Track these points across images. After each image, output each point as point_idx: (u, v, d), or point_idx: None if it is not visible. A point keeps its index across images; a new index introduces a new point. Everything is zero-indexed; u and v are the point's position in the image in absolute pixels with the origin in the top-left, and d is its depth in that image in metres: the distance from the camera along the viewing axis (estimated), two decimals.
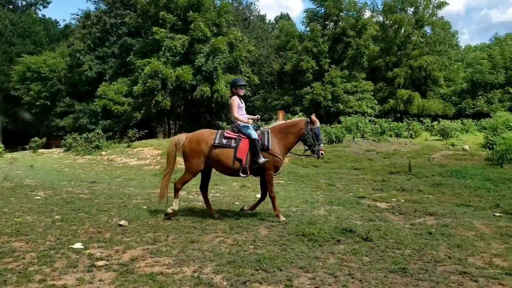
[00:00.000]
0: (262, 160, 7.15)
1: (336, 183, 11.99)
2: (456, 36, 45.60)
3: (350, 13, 32.77)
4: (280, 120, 16.32)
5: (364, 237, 6.20)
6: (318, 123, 7.54)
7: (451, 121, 28.60)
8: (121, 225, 6.85)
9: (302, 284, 4.53)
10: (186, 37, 27.96)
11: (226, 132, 7.51)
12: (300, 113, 24.23)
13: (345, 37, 31.48)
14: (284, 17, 58.59)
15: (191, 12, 28.18)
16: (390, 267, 4.99)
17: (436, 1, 35.52)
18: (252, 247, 5.80)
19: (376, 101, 32.78)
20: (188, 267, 4.97)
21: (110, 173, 16.45)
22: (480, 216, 7.93)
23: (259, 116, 8.12)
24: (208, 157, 7.37)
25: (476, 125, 30.40)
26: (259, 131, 7.48)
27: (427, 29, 36.71)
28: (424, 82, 34.66)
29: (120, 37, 33.93)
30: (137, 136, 25.76)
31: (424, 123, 27.60)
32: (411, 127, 25.45)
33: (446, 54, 36.71)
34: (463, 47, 52.21)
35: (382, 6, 36.09)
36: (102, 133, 26.23)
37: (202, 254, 5.49)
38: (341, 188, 11.33)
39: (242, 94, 7.80)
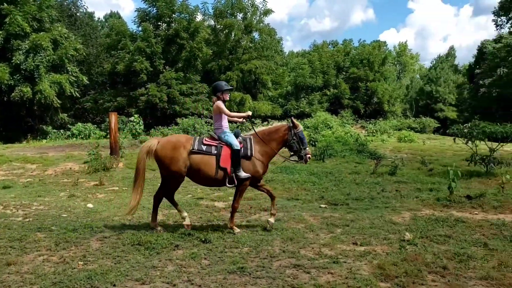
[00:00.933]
0: (243, 174, 6.61)
1: None
2: (281, 42, 49.43)
3: (183, 15, 32.83)
4: (112, 124, 15.48)
5: (203, 239, 6.10)
6: (301, 127, 7.12)
7: (279, 121, 30.60)
8: None
9: None
10: (0, 32, 24.68)
11: (205, 139, 6.82)
12: (135, 115, 23.31)
13: (178, 39, 31.41)
14: (114, 15, 56.14)
15: (5, 4, 24.94)
16: (229, 268, 4.96)
17: (263, 9, 37.79)
18: (82, 263, 5.23)
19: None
20: None
21: None
22: (308, 209, 8.52)
23: (250, 113, 7.21)
24: (185, 165, 6.59)
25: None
26: (240, 138, 6.86)
27: (255, 34, 38.84)
28: (254, 85, 36.56)
29: None
30: None
31: (256, 123, 29.06)
32: (243, 128, 26.55)
33: (273, 59, 39.39)
34: (287, 53, 56.77)
35: (213, 10, 37.03)
36: None
37: (21, 277, 4.76)
38: (179, 190, 11.10)
39: (228, 99, 7.13)
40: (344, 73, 44.03)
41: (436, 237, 6.16)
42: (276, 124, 7.43)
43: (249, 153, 6.73)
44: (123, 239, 6.22)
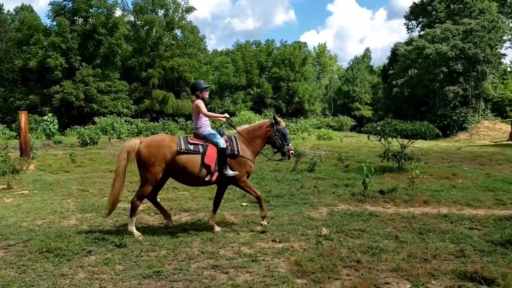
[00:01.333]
0: (230, 172, 6.51)
1: (90, 188, 11.18)
2: (204, 40, 49.07)
3: (100, 10, 31.50)
4: (22, 123, 14.48)
5: (118, 244, 5.82)
6: (283, 123, 7.14)
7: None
8: None
9: None
10: None
11: (190, 139, 6.67)
12: (49, 114, 21.99)
13: (96, 35, 30.16)
14: (26, 8, 52.57)
15: None
16: (144, 272, 4.77)
17: (185, 6, 37.31)
18: None
19: (131, 101, 32.49)
20: None
21: None
22: (230, 207, 8.47)
23: (227, 115, 7.11)
24: (170, 165, 6.40)
25: (225, 123, 33.12)
26: (225, 137, 6.77)
27: (178, 32, 38.26)
28: (177, 83, 36.00)
29: None
30: None
31: (179, 122, 28.66)
32: (166, 127, 26.05)
33: (196, 57, 38.98)
34: (211, 52, 56.47)
35: (133, 6, 35.92)
36: None
37: None
38: (95, 193, 10.60)
39: (207, 97, 7.09)
40: (266, 72, 44.73)
41: (351, 232, 6.37)
42: (258, 121, 7.47)
43: (236, 152, 6.69)
44: (31, 247, 5.78)
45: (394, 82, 43.03)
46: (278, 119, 7.15)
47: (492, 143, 25.91)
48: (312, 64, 66.48)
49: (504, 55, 46.72)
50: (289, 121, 37.02)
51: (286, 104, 43.86)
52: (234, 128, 7.16)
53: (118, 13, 33.66)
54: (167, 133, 25.71)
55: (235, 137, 6.87)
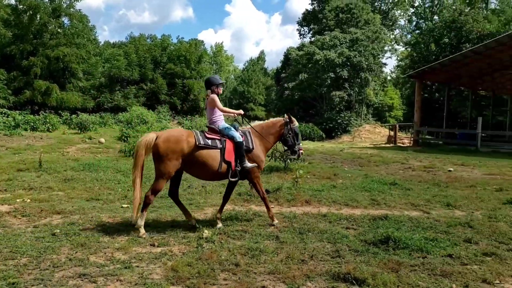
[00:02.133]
0: (249, 165, 6.66)
1: None
2: (95, 30, 46.41)
3: None
4: None
5: None
6: (296, 122, 7.33)
7: (89, 115, 28.81)
8: None
9: None
10: None
11: (206, 133, 6.71)
12: None
13: None
14: None
15: None
16: None
17: None
18: None
19: (10, 91, 29.60)
20: None
21: None
22: (109, 209, 7.94)
23: (242, 111, 7.23)
24: (188, 160, 6.38)
25: (114, 118, 31.73)
26: (240, 132, 6.85)
27: (65, 19, 35.61)
28: (62, 74, 33.48)
29: None
30: None
31: (63, 116, 26.74)
32: (48, 120, 24.15)
33: (85, 47, 36.62)
34: (102, 43, 53.53)
35: None
36: None
37: None
38: None
39: (221, 93, 7.15)
40: (161, 68, 43.51)
41: (233, 233, 6.28)
42: (272, 119, 7.54)
43: (250, 146, 6.82)
44: None
45: (286, 85, 44.40)
46: (292, 118, 7.34)
47: (372, 146, 27.93)
48: (209, 63, 66.35)
49: (385, 64, 50.93)
50: (183, 119, 36.52)
51: (181, 101, 43.07)
52: (249, 123, 7.26)
53: None
54: (48, 127, 23.84)
55: (249, 132, 7.01)
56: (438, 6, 57.98)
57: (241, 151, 6.65)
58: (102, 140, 20.24)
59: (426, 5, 60.17)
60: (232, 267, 4.88)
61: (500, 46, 24.15)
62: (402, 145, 28.76)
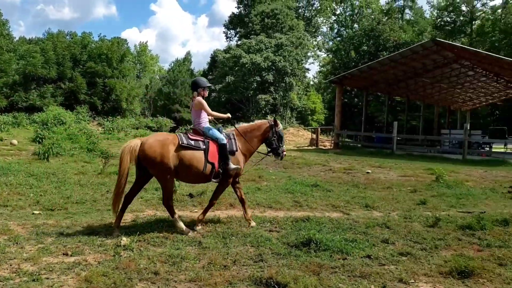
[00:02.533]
0: (233, 166, 6.69)
1: None
2: (8, 25, 43.28)
3: None
4: None
5: None
6: (281, 125, 7.42)
7: (1, 114, 26.90)
8: None
9: None
10: None
11: (190, 134, 6.70)
12: None
13: None
14: None
15: None
16: None
17: None
18: None
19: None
20: None
21: None
22: (18, 216, 7.35)
23: (230, 115, 7.26)
24: (176, 162, 6.33)
25: (29, 119, 29.87)
26: (223, 134, 6.81)
27: None
28: None
29: None
30: None
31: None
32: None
33: None
34: (17, 39, 50.05)
35: None
36: None
37: None
38: None
39: (206, 95, 7.08)
40: (81, 66, 41.61)
41: (154, 239, 6.05)
42: (257, 121, 7.52)
43: (234, 148, 6.81)
44: None
45: (212, 87, 44.35)
46: (277, 121, 7.42)
47: (296, 148, 28.56)
48: (133, 62, 64.53)
49: (308, 69, 52.46)
50: (104, 120, 35.09)
51: (102, 101, 41.42)
52: (234, 126, 7.24)
53: None
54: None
55: (233, 134, 7.00)
56: (358, 15, 60.90)
57: (225, 152, 6.69)
58: (15, 141, 18.84)
59: (347, 14, 62.95)
60: (151, 275, 4.67)
61: (414, 54, 25.84)
62: (323, 147, 29.69)
